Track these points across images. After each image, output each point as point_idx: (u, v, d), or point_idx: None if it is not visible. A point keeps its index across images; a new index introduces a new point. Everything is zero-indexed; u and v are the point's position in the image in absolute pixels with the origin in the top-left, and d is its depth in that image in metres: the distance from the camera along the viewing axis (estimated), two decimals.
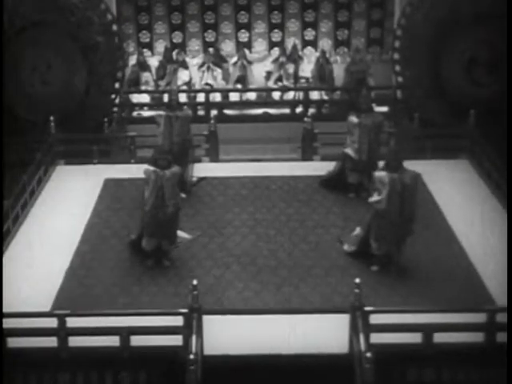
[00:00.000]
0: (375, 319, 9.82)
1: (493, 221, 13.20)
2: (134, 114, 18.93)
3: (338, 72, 19.60)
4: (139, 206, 12.17)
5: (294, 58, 19.82)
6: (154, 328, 9.91)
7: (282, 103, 19.13)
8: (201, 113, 18.52)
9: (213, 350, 9.92)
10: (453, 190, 14.41)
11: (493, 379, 9.84)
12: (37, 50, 17.44)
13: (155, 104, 18.90)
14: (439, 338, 9.85)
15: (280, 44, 20.45)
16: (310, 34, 20.54)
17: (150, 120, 17.54)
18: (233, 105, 19.10)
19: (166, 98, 18.86)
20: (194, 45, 20.59)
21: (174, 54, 20.09)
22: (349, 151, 13.91)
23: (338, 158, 14.36)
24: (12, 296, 10.90)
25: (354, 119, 13.80)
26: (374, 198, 11.56)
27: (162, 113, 14.05)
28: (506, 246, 11.98)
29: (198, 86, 19.51)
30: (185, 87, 19.31)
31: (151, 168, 11.74)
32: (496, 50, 17.61)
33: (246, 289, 11.39)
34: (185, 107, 14.46)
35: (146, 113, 18.85)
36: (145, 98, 19.29)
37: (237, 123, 18.30)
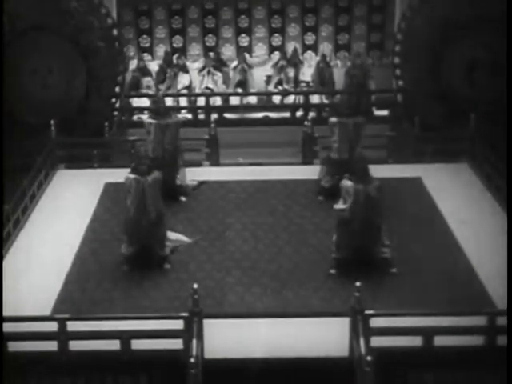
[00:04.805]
0: (375, 322, 9.82)
1: (493, 224, 13.20)
2: (135, 118, 18.96)
3: (339, 76, 19.64)
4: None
5: (295, 62, 19.85)
6: (155, 332, 9.89)
7: (282, 107, 19.18)
8: (201, 117, 18.55)
9: (213, 354, 9.91)
10: (453, 193, 14.39)
11: (493, 382, 9.83)
12: (37, 54, 17.46)
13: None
14: (439, 341, 9.84)
15: (280, 48, 20.48)
16: (310, 38, 20.56)
17: None
18: (233, 109, 19.12)
19: (166, 102, 19.00)
20: (195, 49, 20.61)
21: (175, 58, 20.11)
22: (330, 154, 14.06)
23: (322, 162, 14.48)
24: (12, 300, 10.89)
25: (333, 119, 13.99)
26: (339, 205, 11.73)
27: (152, 121, 13.88)
28: (506, 249, 11.96)
29: (198, 90, 19.52)
30: (185, 91, 19.33)
31: (131, 176, 11.71)
32: (496, 53, 17.62)
33: (247, 292, 11.38)
34: (174, 113, 14.29)
35: (147, 117, 18.88)
36: (145, 102, 19.29)
37: (237, 127, 18.33)
